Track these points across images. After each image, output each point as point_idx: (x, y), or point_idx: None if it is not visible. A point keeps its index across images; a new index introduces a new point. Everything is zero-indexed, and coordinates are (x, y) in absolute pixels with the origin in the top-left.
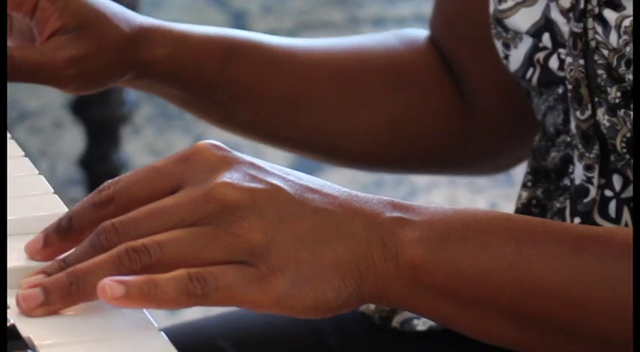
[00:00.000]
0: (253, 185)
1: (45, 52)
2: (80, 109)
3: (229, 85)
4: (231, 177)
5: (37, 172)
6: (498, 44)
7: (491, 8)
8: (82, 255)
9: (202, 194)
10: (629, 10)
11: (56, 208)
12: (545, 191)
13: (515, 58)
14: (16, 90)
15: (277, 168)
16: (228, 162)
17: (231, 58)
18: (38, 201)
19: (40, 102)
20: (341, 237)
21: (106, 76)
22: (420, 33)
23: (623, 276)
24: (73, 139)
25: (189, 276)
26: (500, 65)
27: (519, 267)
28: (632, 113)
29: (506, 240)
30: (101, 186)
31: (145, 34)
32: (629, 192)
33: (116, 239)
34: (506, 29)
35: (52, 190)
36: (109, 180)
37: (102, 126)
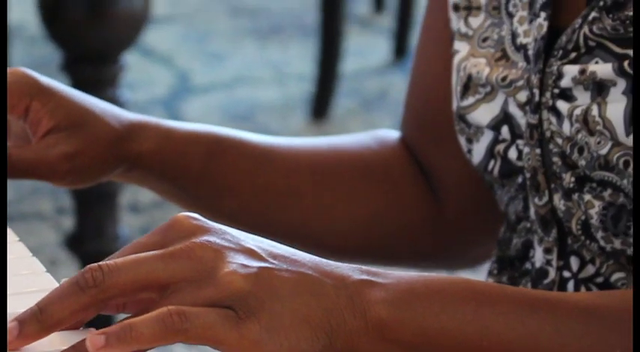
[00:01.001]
0: (229, 245)
1: (39, 151)
2: (75, 246)
3: (214, 178)
4: (208, 239)
5: (31, 254)
6: (462, 139)
7: (455, 105)
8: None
9: (182, 250)
10: (580, 100)
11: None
12: (510, 277)
13: (478, 151)
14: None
15: (252, 236)
16: (205, 230)
17: (216, 152)
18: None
19: (35, 241)
20: (314, 294)
21: (98, 170)
22: (393, 134)
23: (576, 333)
24: (70, 275)
25: (170, 312)
26: (467, 161)
27: (479, 324)
28: (585, 196)
29: (467, 300)
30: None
31: (135, 129)
32: (586, 273)
33: (100, 278)
34: (468, 125)
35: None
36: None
37: (97, 261)
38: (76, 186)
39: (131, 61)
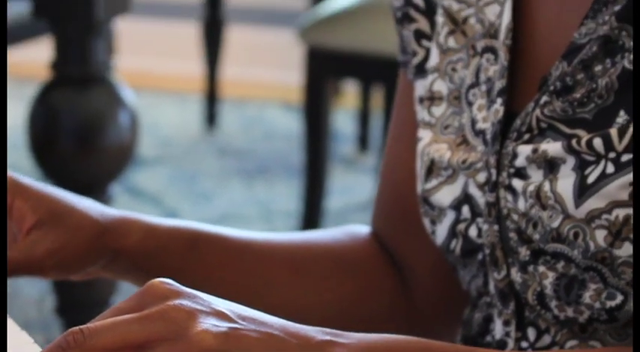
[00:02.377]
0: (201, 308)
1: (24, 250)
2: (66, 314)
3: (193, 270)
4: (181, 302)
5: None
6: (426, 221)
7: (419, 189)
8: None
9: (157, 312)
10: (534, 178)
11: None
12: None
13: (441, 231)
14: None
15: (223, 300)
16: (178, 293)
17: (196, 245)
18: None
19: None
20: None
21: (82, 263)
22: (364, 228)
23: None
24: None
25: None
26: (434, 247)
27: None
28: (540, 268)
29: None
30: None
31: (118, 223)
32: (542, 342)
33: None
34: (432, 206)
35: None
36: (74, 328)
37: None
38: (62, 278)
39: (121, 200)
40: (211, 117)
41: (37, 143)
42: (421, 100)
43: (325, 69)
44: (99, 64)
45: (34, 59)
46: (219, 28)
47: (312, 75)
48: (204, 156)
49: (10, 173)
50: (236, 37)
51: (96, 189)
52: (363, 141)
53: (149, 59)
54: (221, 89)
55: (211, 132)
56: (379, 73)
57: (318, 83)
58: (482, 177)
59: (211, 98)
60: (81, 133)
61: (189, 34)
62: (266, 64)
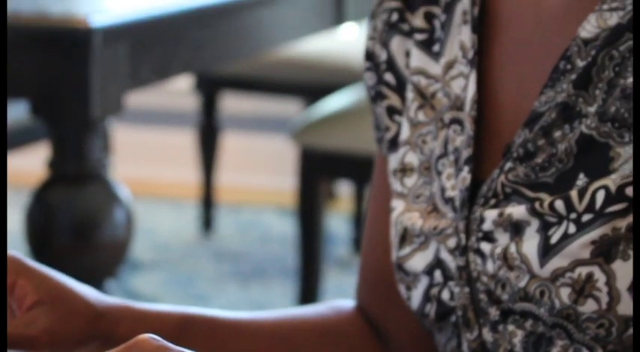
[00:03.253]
0: None
1: (21, 326)
2: None
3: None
4: None
5: None
6: (402, 288)
7: (394, 256)
8: None
9: None
10: (501, 241)
11: None
12: None
13: (416, 297)
14: None
15: None
16: (165, 349)
17: (185, 328)
18: None
19: None
20: None
21: (75, 344)
22: (348, 303)
23: None
24: None
25: None
26: (413, 316)
27: None
28: (509, 327)
29: None
30: None
31: (112, 310)
32: None
33: None
34: (406, 273)
35: None
36: None
37: None
38: None
39: None
40: (207, 221)
41: (35, 239)
42: (394, 173)
43: (318, 170)
44: (94, 161)
45: (31, 167)
46: (214, 135)
47: (305, 176)
48: (201, 260)
49: (15, 253)
50: (231, 144)
51: (92, 285)
52: (357, 244)
53: (145, 166)
54: (217, 194)
55: (207, 236)
56: (372, 173)
57: (312, 184)
58: (452, 242)
59: (207, 203)
60: (77, 230)
61: (184, 141)
62: (261, 170)
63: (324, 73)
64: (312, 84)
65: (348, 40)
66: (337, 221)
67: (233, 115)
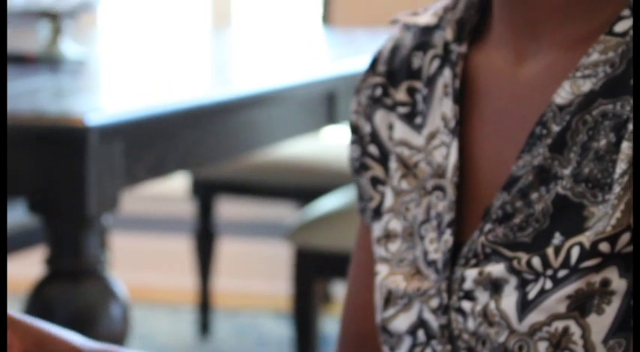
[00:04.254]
0: None
1: None
2: None
3: None
4: None
5: None
6: (386, 349)
7: (378, 318)
8: None
9: None
10: (481, 299)
11: None
12: None
13: None
14: None
15: None
16: None
17: None
18: None
19: None
20: None
21: None
22: None
23: None
24: None
25: None
26: None
27: None
28: None
29: None
30: None
31: None
32: None
33: None
34: (390, 334)
35: None
36: None
37: None
38: None
39: None
40: (204, 326)
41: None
42: (378, 240)
43: (313, 270)
44: (91, 258)
45: (28, 273)
46: (210, 240)
47: (300, 276)
48: None
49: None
50: (227, 249)
51: None
52: None
53: (142, 272)
54: (214, 299)
55: (205, 340)
56: None
57: (307, 285)
58: (435, 302)
59: (204, 308)
60: (74, 325)
61: (181, 246)
62: (257, 275)
63: (316, 176)
64: (305, 187)
65: (338, 144)
66: (333, 324)
67: (229, 220)
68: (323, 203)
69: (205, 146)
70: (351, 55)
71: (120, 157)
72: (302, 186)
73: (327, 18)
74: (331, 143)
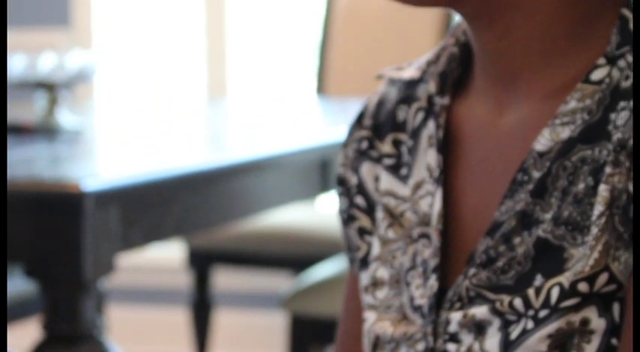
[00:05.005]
0: None
1: None
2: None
3: None
4: None
5: None
6: None
7: None
8: None
9: None
10: (466, 341)
11: None
12: None
13: None
14: None
15: None
16: None
17: None
18: None
19: None
20: None
21: None
22: None
23: None
24: None
25: None
26: None
27: None
28: None
29: None
30: None
31: None
32: None
33: None
34: None
35: None
36: None
37: None
38: None
39: None
40: None
41: None
42: (366, 289)
43: (308, 336)
44: (87, 322)
45: (27, 343)
46: (207, 312)
47: (296, 343)
48: None
49: None
50: (224, 320)
51: None
52: None
53: (140, 345)
54: None
55: None
56: None
57: (303, 351)
58: (421, 346)
59: None
60: None
61: (178, 318)
62: (255, 345)
63: (311, 245)
64: (300, 256)
65: (331, 213)
66: None
67: (225, 290)
68: (317, 271)
69: (201, 211)
70: (345, 123)
71: (116, 222)
72: (297, 254)
73: (321, 88)
74: (325, 212)
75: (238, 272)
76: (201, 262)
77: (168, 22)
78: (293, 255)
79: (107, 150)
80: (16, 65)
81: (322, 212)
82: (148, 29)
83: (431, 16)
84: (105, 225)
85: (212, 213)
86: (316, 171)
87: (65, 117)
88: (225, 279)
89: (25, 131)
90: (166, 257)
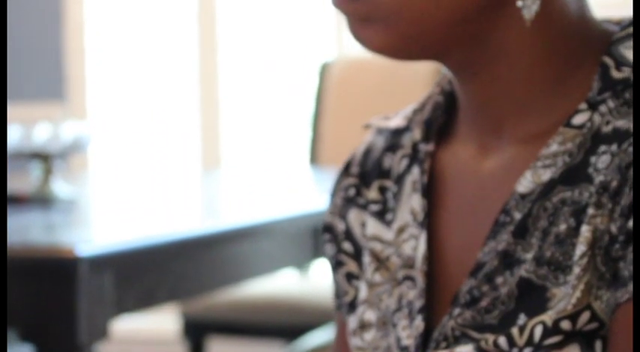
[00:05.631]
0: None
1: None
2: None
3: None
4: None
5: None
6: None
7: None
8: None
9: None
10: None
11: None
12: None
13: None
14: None
15: None
16: None
17: None
18: None
19: None
20: None
21: None
22: None
23: None
24: None
25: None
26: None
27: None
28: None
29: None
30: None
31: None
32: None
33: None
34: None
35: None
36: None
37: None
38: None
39: None
40: None
41: None
42: (354, 332)
43: None
44: None
45: None
46: None
47: None
48: None
49: None
50: None
51: None
52: None
53: None
54: None
55: None
56: None
57: None
58: None
59: None
60: None
61: None
62: None
63: (303, 314)
64: (293, 325)
65: (324, 282)
66: None
67: None
68: (309, 339)
69: (194, 277)
70: None
71: (110, 287)
72: (290, 324)
73: (314, 158)
74: (317, 279)
75: (233, 342)
76: (196, 332)
77: (162, 95)
78: (286, 324)
79: (102, 217)
80: (12, 136)
81: (315, 279)
82: (143, 102)
83: (424, 88)
84: (99, 289)
85: (205, 279)
86: (308, 238)
87: (60, 187)
88: (220, 349)
89: (20, 201)
90: (161, 328)
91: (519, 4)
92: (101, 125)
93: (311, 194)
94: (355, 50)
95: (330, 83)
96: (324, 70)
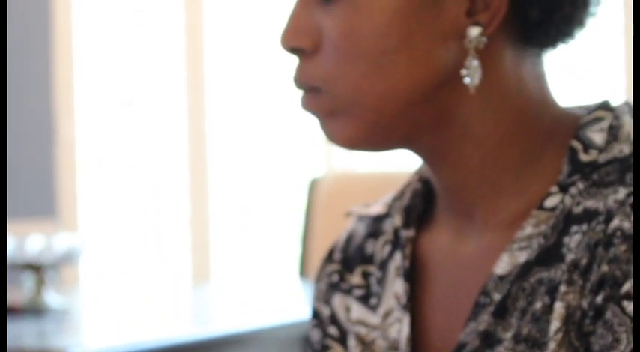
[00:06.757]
0: None
1: None
2: None
3: None
4: None
5: None
6: None
7: None
8: None
9: None
10: None
11: None
12: None
13: None
14: None
15: None
16: None
17: None
18: None
19: None
20: None
21: None
22: None
23: None
24: None
25: None
26: None
27: None
28: None
29: None
30: None
31: None
32: None
33: None
34: None
35: None
36: None
37: None
38: None
39: None
40: None
41: None
42: None
43: None
44: None
45: None
46: None
47: None
48: None
49: None
50: None
51: None
52: None
53: None
54: None
55: None
56: None
57: None
58: None
59: None
60: None
61: None
62: None
63: None
64: None
65: None
66: None
67: None
68: None
69: None
70: None
71: None
72: None
73: (303, 271)
74: None
75: None
76: None
77: (153, 210)
78: None
79: (92, 325)
80: None
81: None
82: (133, 215)
83: None
84: None
85: None
86: (297, 346)
87: (52, 297)
88: None
89: (13, 311)
90: None
91: (463, 72)
92: (92, 237)
93: (300, 304)
94: (344, 166)
95: (319, 198)
96: (313, 186)
